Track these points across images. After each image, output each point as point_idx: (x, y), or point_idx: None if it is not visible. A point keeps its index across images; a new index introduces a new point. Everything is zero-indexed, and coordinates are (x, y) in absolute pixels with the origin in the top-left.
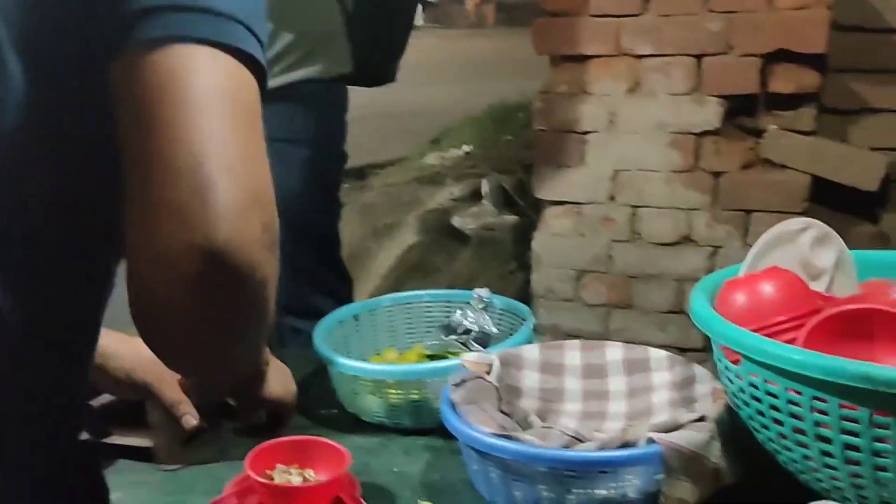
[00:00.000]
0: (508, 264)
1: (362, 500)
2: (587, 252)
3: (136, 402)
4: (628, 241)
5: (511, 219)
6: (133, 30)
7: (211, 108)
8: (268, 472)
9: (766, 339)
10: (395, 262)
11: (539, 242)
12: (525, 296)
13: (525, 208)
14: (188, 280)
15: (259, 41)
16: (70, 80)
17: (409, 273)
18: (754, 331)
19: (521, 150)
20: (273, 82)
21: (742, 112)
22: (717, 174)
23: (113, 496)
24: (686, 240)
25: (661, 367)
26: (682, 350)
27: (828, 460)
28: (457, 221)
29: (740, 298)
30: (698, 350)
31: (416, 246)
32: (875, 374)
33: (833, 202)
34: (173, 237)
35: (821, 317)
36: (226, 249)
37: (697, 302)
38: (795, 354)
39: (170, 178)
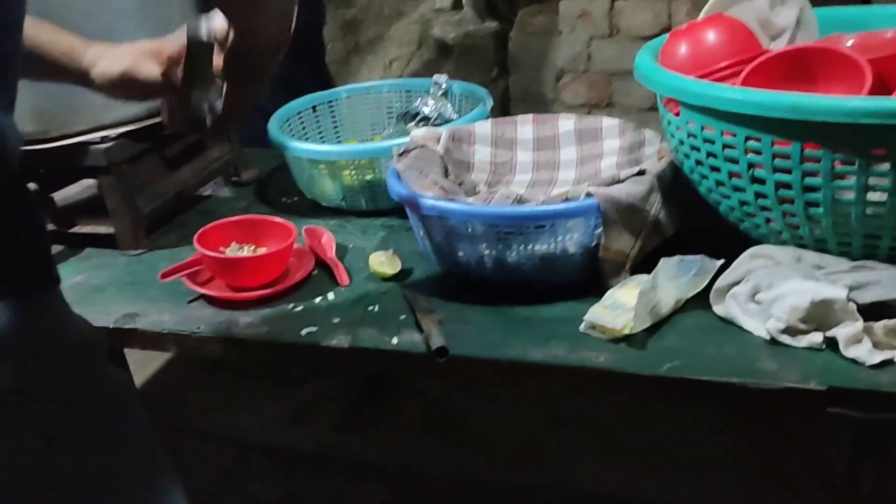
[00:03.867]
0: (491, 71)
1: (336, 259)
2: (565, 51)
3: (98, 195)
4: (607, 36)
5: (492, 25)
6: None
7: None
8: (222, 249)
9: (700, 81)
10: (377, 77)
11: (515, 44)
12: (507, 101)
13: (506, 13)
14: None
15: None
16: None
17: None
18: (696, 79)
19: None
20: None
21: None
22: None
23: (77, 279)
24: (667, 31)
25: (612, 135)
26: None
27: (763, 202)
28: (437, 31)
29: (683, 48)
30: None
31: (399, 59)
32: (803, 103)
33: None
34: None
35: (760, 60)
36: None
37: (641, 58)
38: (727, 93)
39: None
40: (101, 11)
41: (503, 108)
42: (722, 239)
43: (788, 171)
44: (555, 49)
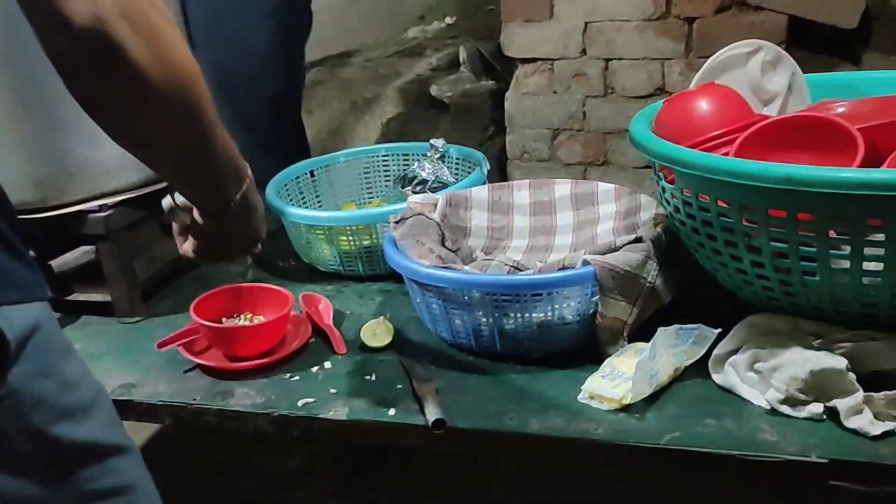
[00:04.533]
0: (487, 130)
1: (333, 327)
2: (561, 110)
3: (95, 262)
4: (602, 95)
5: (489, 84)
6: None
7: None
8: (218, 317)
9: (694, 150)
10: (375, 135)
11: (512, 103)
12: (504, 160)
13: (503, 73)
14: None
15: None
16: None
17: None
18: (689, 147)
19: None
20: None
21: None
22: (690, 20)
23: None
24: (661, 91)
25: (608, 199)
26: None
27: (759, 271)
28: (434, 90)
29: (677, 117)
30: None
31: (396, 118)
32: (797, 174)
33: (812, 43)
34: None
35: (752, 129)
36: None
37: (636, 125)
38: (721, 163)
39: None
40: None
41: (500, 167)
42: (718, 305)
43: (784, 241)
44: (550, 108)
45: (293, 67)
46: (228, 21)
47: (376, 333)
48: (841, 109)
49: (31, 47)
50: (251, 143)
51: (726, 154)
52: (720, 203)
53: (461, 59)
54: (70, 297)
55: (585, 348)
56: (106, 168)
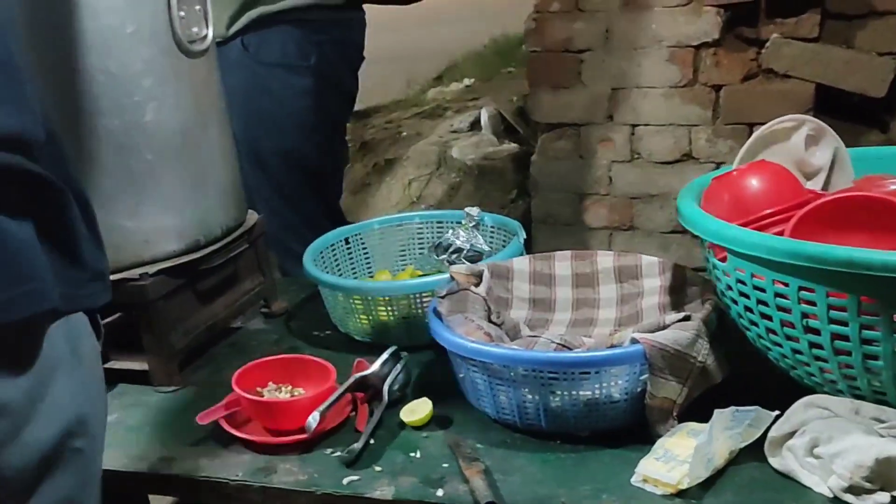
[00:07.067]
0: (510, 193)
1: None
2: (586, 174)
3: (131, 325)
4: (628, 161)
5: (511, 147)
6: None
7: None
8: (259, 389)
9: (750, 230)
10: (397, 196)
11: (537, 167)
12: (528, 223)
13: (525, 136)
14: None
15: None
16: None
17: (411, 208)
18: (742, 225)
19: (523, 79)
20: (273, 7)
21: (742, 21)
22: (717, 87)
23: (111, 417)
24: (687, 157)
25: (652, 273)
26: None
27: (817, 352)
28: (456, 152)
29: (727, 195)
30: (701, 269)
31: (417, 180)
32: (859, 258)
33: (840, 111)
34: None
35: (808, 208)
36: None
37: (684, 202)
38: (780, 244)
39: None
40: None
41: (524, 230)
42: (769, 384)
43: (845, 324)
44: (576, 172)
45: (330, 142)
46: (260, 99)
47: (414, 411)
48: (893, 187)
49: (75, 126)
50: (292, 219)
51: (780, 233)
52: (777, 284)
53: (482, 122)
54: (106, 365)
55: (633, 427)
56: (146, 237)
